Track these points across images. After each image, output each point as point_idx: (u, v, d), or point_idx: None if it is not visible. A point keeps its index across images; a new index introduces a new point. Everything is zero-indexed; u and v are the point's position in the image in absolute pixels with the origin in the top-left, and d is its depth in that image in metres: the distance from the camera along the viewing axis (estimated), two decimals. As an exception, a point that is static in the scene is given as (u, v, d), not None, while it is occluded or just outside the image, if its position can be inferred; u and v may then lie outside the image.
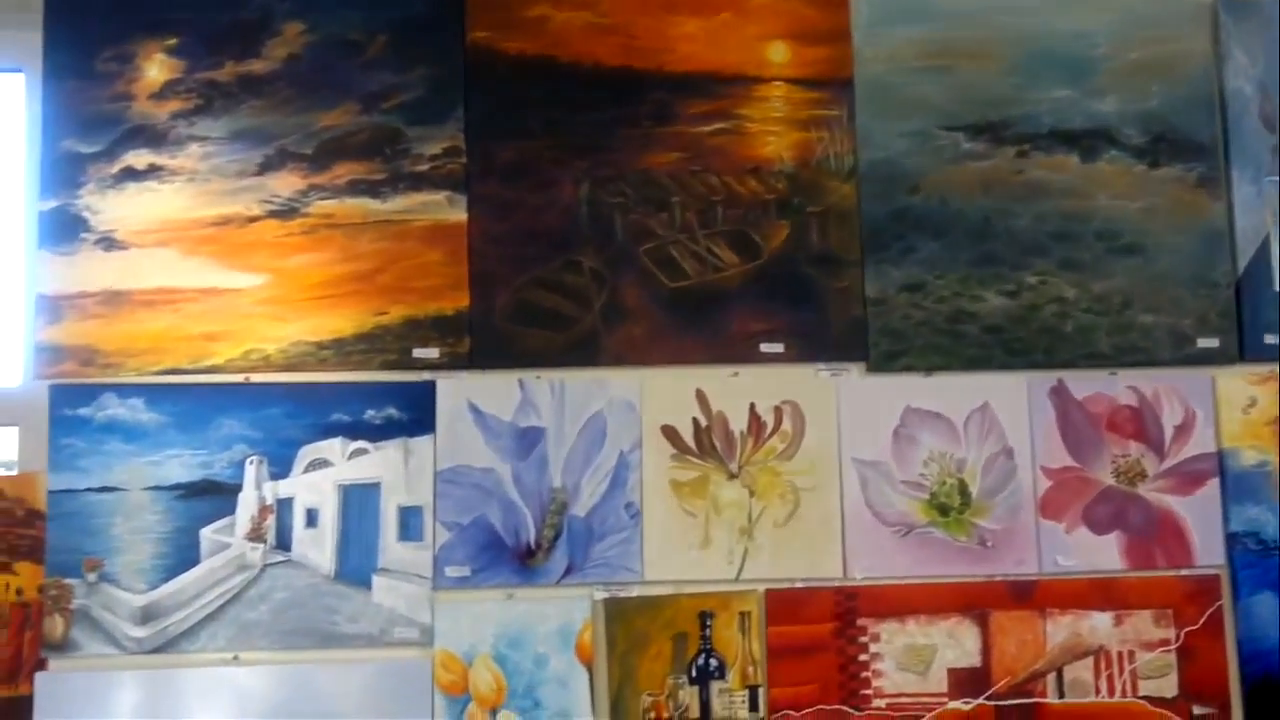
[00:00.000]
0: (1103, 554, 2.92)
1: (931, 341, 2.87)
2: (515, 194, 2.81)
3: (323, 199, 2.73)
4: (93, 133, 2.72)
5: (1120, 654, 2.90)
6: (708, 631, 2.76)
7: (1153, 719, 2.89)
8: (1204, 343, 2.99)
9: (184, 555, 2.60)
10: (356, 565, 2.63)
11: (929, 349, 2.86)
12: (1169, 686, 2.89)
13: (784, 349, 2.81)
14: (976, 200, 2.94)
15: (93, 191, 2.70)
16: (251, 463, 2.57)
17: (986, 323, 2.87)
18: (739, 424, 2.79)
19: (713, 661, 2.76)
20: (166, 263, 2.65)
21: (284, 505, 2.61)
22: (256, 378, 2.63)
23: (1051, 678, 2.88)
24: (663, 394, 2.77)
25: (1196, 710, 2.88)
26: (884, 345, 2.84)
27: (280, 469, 2.61)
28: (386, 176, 2.75)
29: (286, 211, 2.71)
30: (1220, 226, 3.01)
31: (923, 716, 2.84)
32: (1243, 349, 3.00)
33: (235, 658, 2.57)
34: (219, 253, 2.66)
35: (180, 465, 2.58)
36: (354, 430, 2.64)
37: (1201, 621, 2.92)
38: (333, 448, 2.61)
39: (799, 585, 2.78)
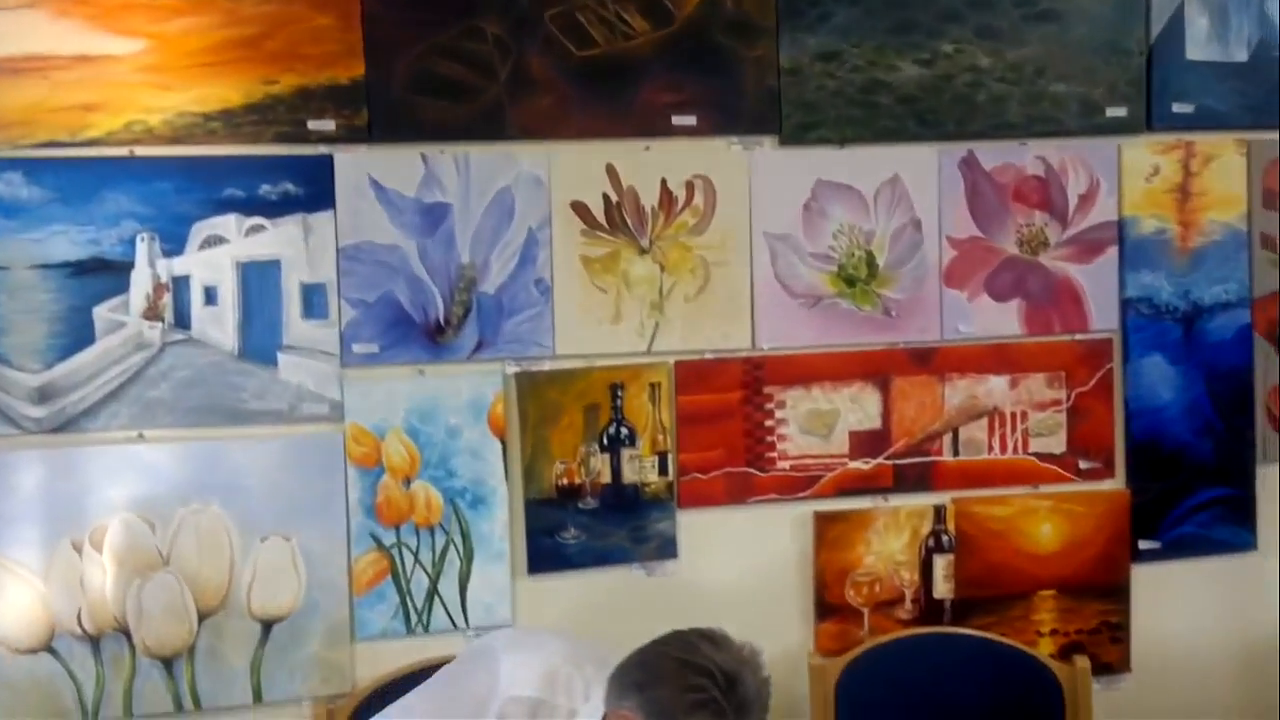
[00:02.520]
0: (1002, 321, 2.55)
1: (845, 113, 2.43)
2: (412, -47, 2.19)
3: (203, -43, 2.10)
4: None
5: (1014, 414, 2.55)
6: (618, 402, 2.40)
7: (1041, 473, 2.55)
8: (1113, 112, 2.55)
9: (78, 335, 2.14)
10: (260, 343, 2.19)
11: (842, 121, 2.38)
12: (1058, 444, 2.56)
13: (696, 121, 2.32)
14: (895, -37, 2.37)
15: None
16: (142, 239, 2.03)
17: (900, 93, 2.44)
18: (650, 199, 2.32)
19: (623, 430, 2.41)
20: (34, 26, 2.04)
21: (180, 283, 2.13)
22: (141, 151, 2.07)
23: (947, 438, 2.53)
24: (572, 169, 2.27)
25: (1082, 465, 2.56)
26: (797, 117, 2.30)
27: (173, 246, 2.12)
28: (272, -67, 2.06)
29: (165, -29, 2.08)
30: (1137, -8, 2.47)
31: (824, 476, 2.48)
32: (1150, 118, 2.59)
33: (140, 435, 2.13)
34: (92, 15, 2.10)
35: (67, 242, 2.06)
36: (249, 206, 2.14)
37: (1092, 383, 2.58)
38: (228, 224, 2.08)
39: (708, 356, 2.26)
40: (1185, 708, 2.46)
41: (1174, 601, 2.58)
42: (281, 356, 2.20)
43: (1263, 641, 2.59)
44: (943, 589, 2.50)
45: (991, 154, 2.49)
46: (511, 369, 2.32)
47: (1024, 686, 2.31)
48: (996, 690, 2.31)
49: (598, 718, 1.63)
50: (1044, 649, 2.44)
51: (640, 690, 1.57)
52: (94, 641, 2.13)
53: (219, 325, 2.17)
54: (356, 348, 2.23)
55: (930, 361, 2.49)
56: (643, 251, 2.36)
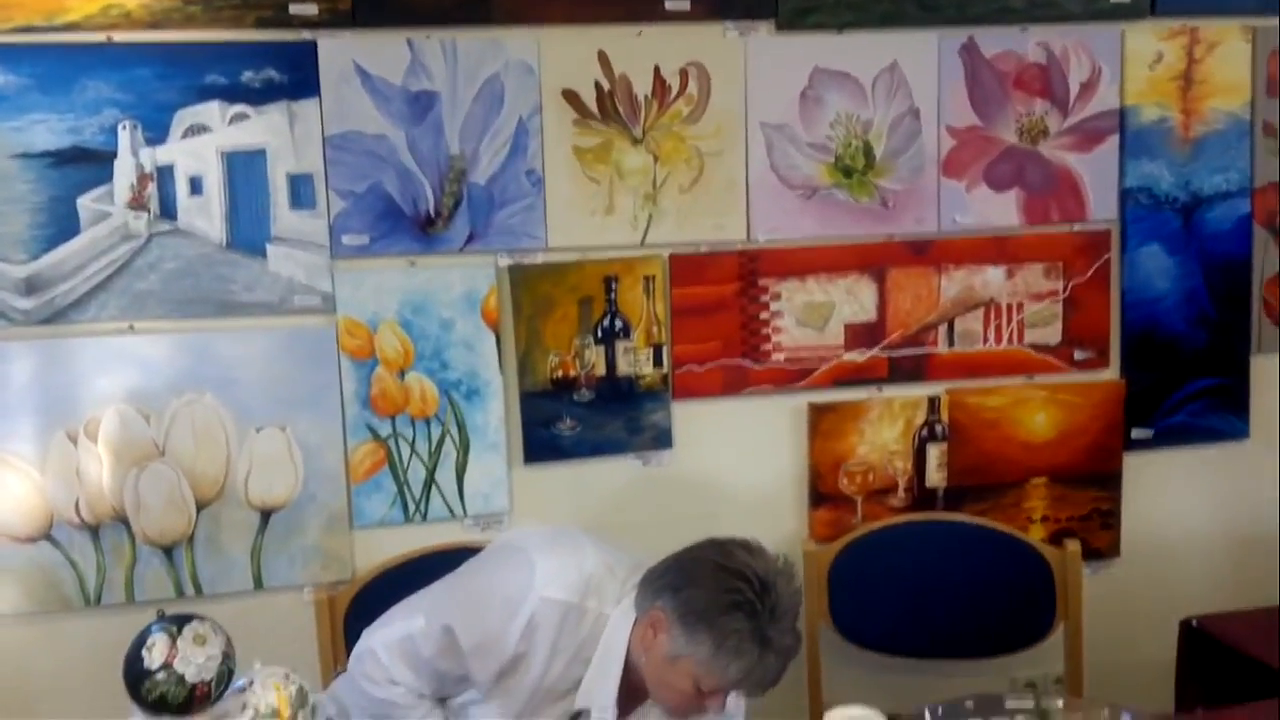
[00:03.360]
0: (1000, 211, 2.38)
1: (844, -2, 2.12)
2: None
3: None
4: None
5: (1009, 305, 2.39)
6: (613, 295, 2.27)
7: (1035, 364, 2.41)
8: (1117, -4, 2.34)
9: (63, 225, 2.00)
10: (248, 234, 2.05)
11: (840, 5, 2.26)
12: (1053, 335, 2.41)
13: (690, 6, 2.13)
14: None
15: None
16: (124, 128, 1.89)
17: (900, -24, 2.08)
18: (643, 87, 2.18)
19: (618, 323, 2.28)
20: (3, -94, 1.77)
21: (164, 173, 2.00)
22: (119, 37, 1.85)
23: (943, 329, 2.38)
24: (562, 55, 2.09)
25: (1077, 355, 2.41)
26: (794, 2, 2.14)
27: (156, 134, 1.98)
28: None
29: None
30: None
31: (818, 368, 2.34)
32: (1154, 3, 2.38)
33: (130, 327, 2.02)
34: (63, -106, 1.77)
35: (47, 131, 1.93)
36: (232, 93, 1.99)
37: (1089, 274, 2.41)
38: (211, 112, 1.91)
39: (703, 249, 2.09)
40: (1173, 592, 2.35)
41: (1165, 489, 2.45)
42: (270, 248, 2.06)
43: (1252, 528, 2.48)
44: (935, 478, 2.37)
45: (992, 40, 2.30)
46: (504, 261, 2.17)
47: (1015, 571, 2.19)
48: (988, 574, 2.20)
49: (629, 621, 1.54)
50: (1035, 535, 2.31)
51: (675, 591, 1.49)
52: (93, 530, 2.02)
53: (206, 216, 2.02)
54: (346, 239, 2.08)
55: (927, 253, 2.33)
56: (636, 141, 2.17)
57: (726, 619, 1.43)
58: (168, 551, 2.05)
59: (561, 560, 1.60)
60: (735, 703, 1.63)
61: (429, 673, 1.60)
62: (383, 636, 1.61)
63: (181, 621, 1.11)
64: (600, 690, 1.55)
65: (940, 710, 1.47)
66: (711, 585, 1.46)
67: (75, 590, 2.02)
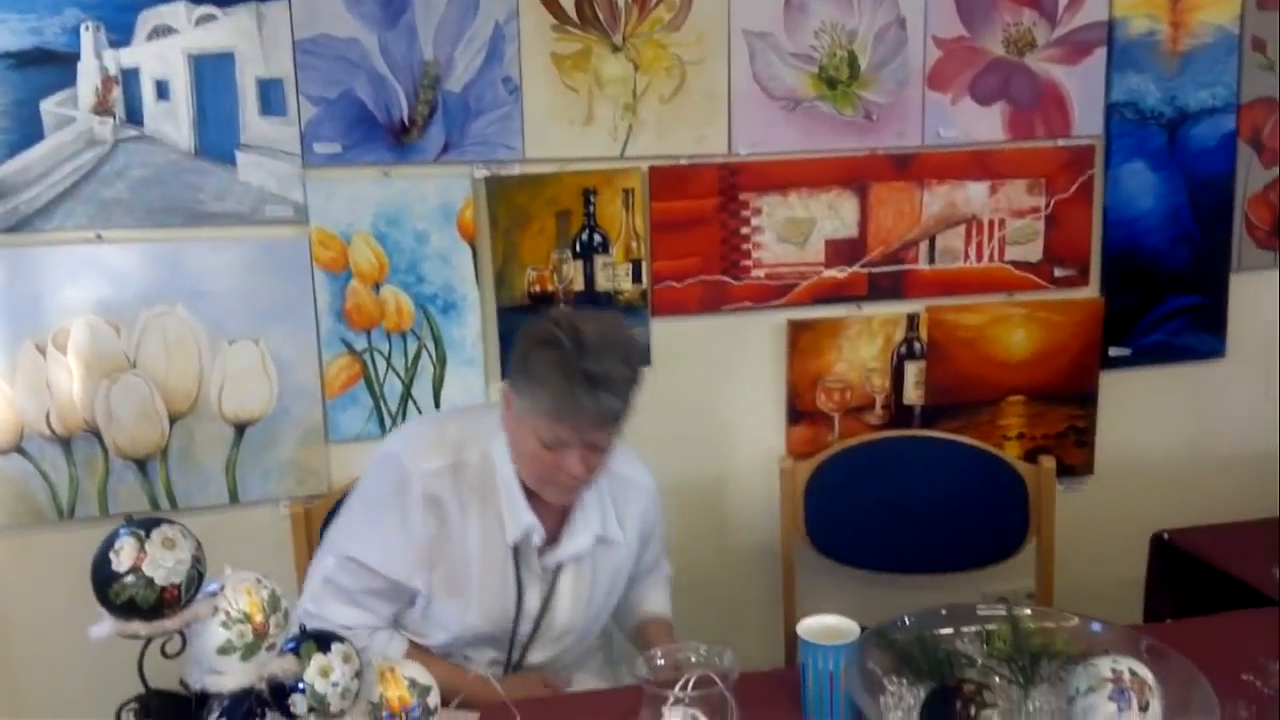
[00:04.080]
0: (985, 125, 2.35)
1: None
2: None
3: None
4: None
5: (991, 222, 2.36)
6: (591, 208, 2.22)
7: (1016, 281, 2.39)
8: (1112, -101, 2.28)
9: (26, 130, 1.94)
10: (217, 141, 1.99)
11: None
12: (1034, 252, 2.39)
13: None
14: None
15: None
16: (86, 28, 1.83)
17: (889, -123, 2.00)
18: None
19: (596, 237, 2.24)
20: None
21: (129, 76, 1.93)
22: None
23: (924, 246, 2.36)
24: None
25: (1057, 273, 2.40)
26: None
27: (120, 36, 1.91)
28: None
29: None
30: None
31: (798, 284, 2.31)
32: None
33: (98, 236, 1.96)
34: None
35: (7, 31, 1.88)
36: None
37: (1072, 190, 2.38)
38: (176, 12, 1.86)
39: (683, 162, 2.03)
40: (1145, 510, 2.36)
41: (1140, 408, 2.45)
42: (240, 155, 2.00)
43: (1225, 446, 2.49)
44: (913, 395, 2.36)
45: (981, -54, 2.22)
46: (480, 173, 2.12)
47: (989, 487, 2.20)
48: (962, 491, 2.21)
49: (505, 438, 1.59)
50: (1010, 453, 2.32)
51: (508, 361, 1.61)
52: (65, 443, 1.99)
53: (173, 122, 1.96)
54: (318, 147, 2.03)
55: (910, 167, 2.30)
56: (615, 49, 2.12)
57: (536, 356, 1.47)
58: (141, 464, 2.03)
59: (423, 436, 1.65)
60: (657, 554, 1.79)
61: (368, 603, 1.59)
62: (309, 592, 1.62)
63: (149, 525, 1.09)
64: (514, 510, 1.57)
65: (913, 619, 1.48)
66: (526, 336, 1.51)
67: (48, 503, 2.00)
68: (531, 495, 1.58)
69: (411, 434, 1.70)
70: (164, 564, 1.08)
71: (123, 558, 1.07)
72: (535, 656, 1.67)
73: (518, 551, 1.60)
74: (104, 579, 1.07)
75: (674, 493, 2.36)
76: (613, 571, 1.70)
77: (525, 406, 1.49)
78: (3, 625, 2.11)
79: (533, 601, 1.62)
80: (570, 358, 1.44)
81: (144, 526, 1.09)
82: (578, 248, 2.18)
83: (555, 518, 1.62)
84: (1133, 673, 1.28)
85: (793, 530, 2.21)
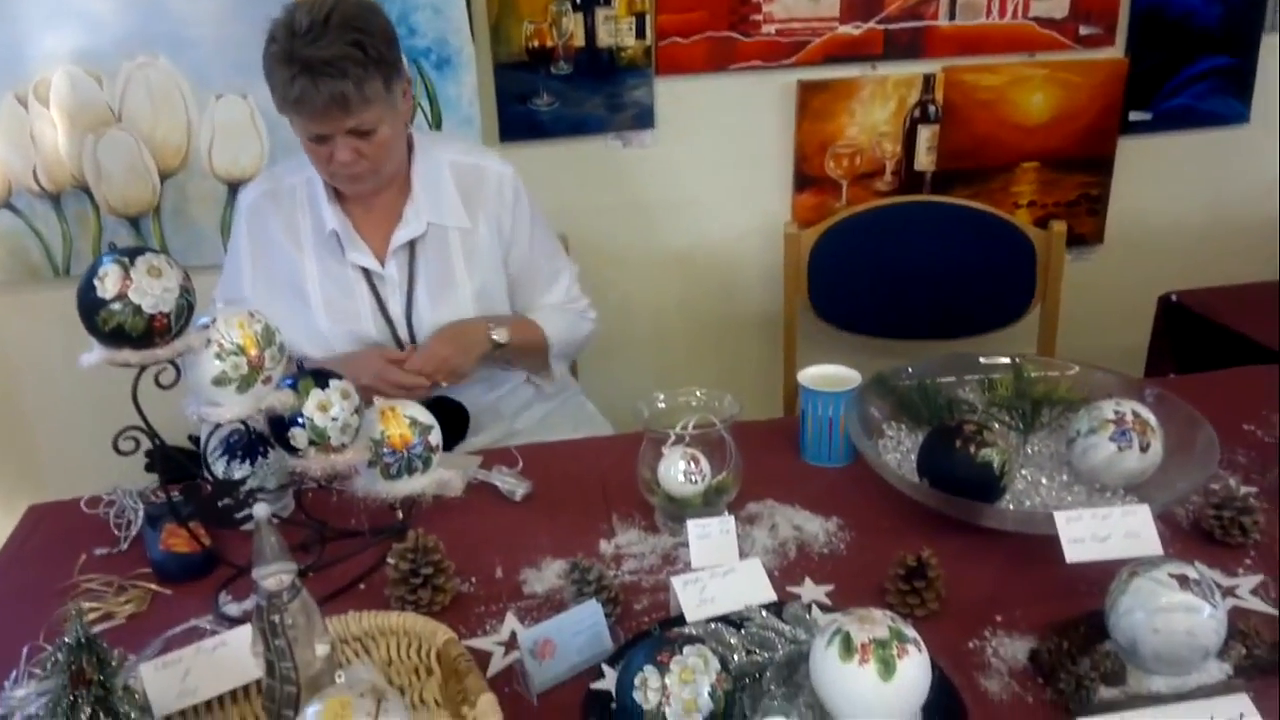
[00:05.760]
0: None
1: None
2: None
3: None
4: None
5: None
6: None
7: (1039, 40, 2.25)
8: None
9: None
10: None
11: None
12: (1060, 8, 2.24)
13: None
14: None
15: None
16: None
17: None
18: None
19: None
20: None
21: None
22: None
23: (944, 0, 2.18)
24: None
25: (1083, 30, 2.25)
26: None
27: None
28: None
29: None
30: None
31: (811, 41, 2.18)
32: None
33: None
34: None
35: None
36: None
37: None
38: None
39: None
40: (1152, 279, 2.31)
41: (1157, 174, 2.37)
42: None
43: (1241, 212, 2.42)
44: (925, 161, 2.27)
45: None
46: (474, -87, 1.94)
47: (997, 252, 2.15)
48: (969, 256, 2.16)
49: None
50: (1021, 220, 2.23)
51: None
52: (54, 199, 1.94)
53: None
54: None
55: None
56: None
57: (264, 53, 1.45)
58: (134, 222, 1.97)
59: (257, 177, 1.70)
60: (542, 264, 1.72)
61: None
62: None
63: (134, 253, 1.04)
64: (321, 212, 1.59)
65: (915, 369, 1.45)
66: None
67: (43, 260, 1.96)
68: (344, 199, 1.60)
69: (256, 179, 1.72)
70: (151, 291, 1.03)
71: (107, 284, 1.03)
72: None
73: (369, 274, 1.61)
74: (90, 305, 1.03)
75: (676, 258, 2.32)
76: (473, 264, 1.64)
77: (276, 106, 1.48)
78: (12, 379, 2.12)
79: (396, 309, 1.62)
80: (285, 49, 1.41)
81: (128, 254, 1.05)
82: (578, -1, 2.05)
83: (388, 218, 1.61)
84: (1135, 414, 1.26)
85: (795, 297, 2.17)
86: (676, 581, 1.11)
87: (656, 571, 1.23)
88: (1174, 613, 0.97)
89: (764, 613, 1.07)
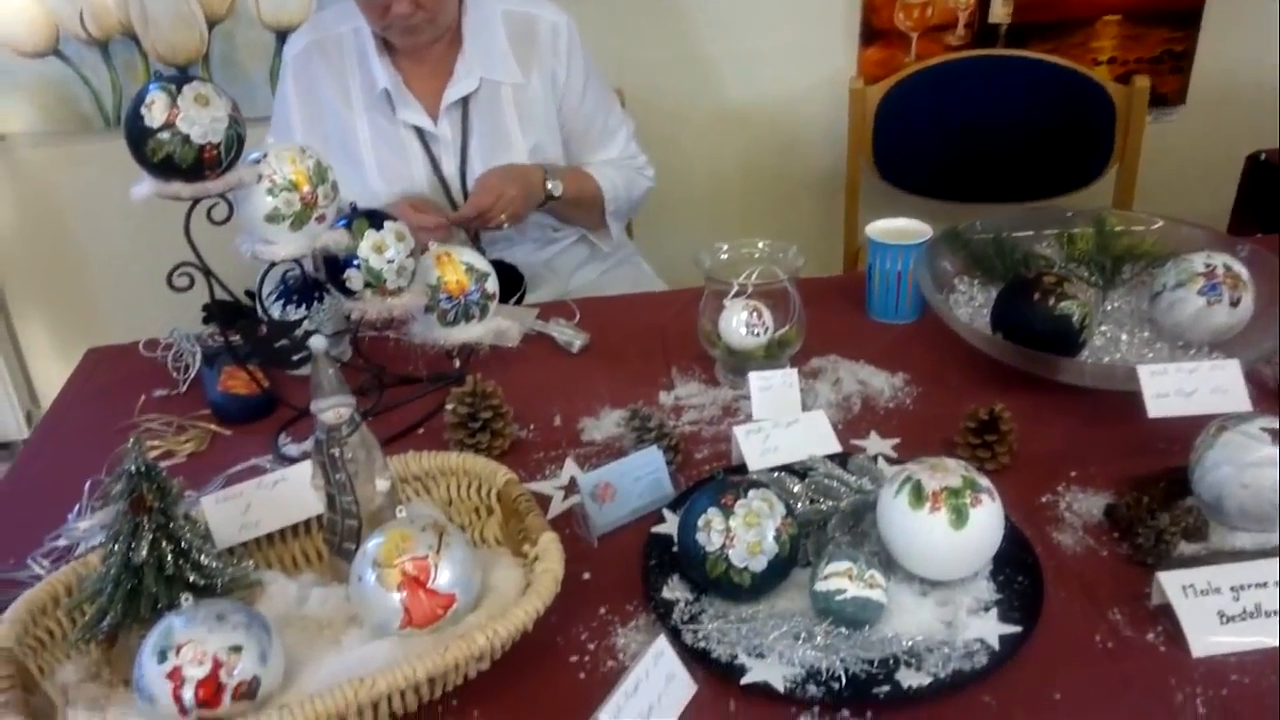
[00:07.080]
0: None
1: None
2: None
3: None
4: None
5: None
6: None
7: None
8: None
9: None
10: None
11: None
12: None
13: None
14: None
15: None
16: None
17: None
18: None
19: None
20: None
21: None
22: None
23: None
24: None
25: None
26: None
27: None
28: None
29: None
30: None
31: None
32: None
33: None
34: None
35: None
36: None
37: None
38: None
39: None
40: (1235, 141, 2.17)
41: (1246, 28, 2.20)
42: None
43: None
44: (1000, 13, 2.14)
45: None
46: None
47: (1073, 109, 2.03)
48: (1043, 114, 2.04)
49: None
50: (1101, 75, 2.10)
51: None
52: (102, 46, 1.88)
53: None
54: None
55: None
56: None
57: None
58: (183, 71, 1.92)
59: (303, 26, 1.63)
60: (598, 119, 1.65)
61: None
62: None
63: (180, 81, 1.00)
64: (372, 66, 1.54)
65: (989, 223, 1.38)
66: None
67: (93, 110, 1.92)
68: (394, 52, 1.54)
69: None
70: (200, 121, 0.99)
71: (154, 112, 0.98)
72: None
73: (422, 133, 1.56)
74: (137, 134, 0.99)
75: (736, 114, 2.23)
76: (527, 121, 1.59)
77: None
78: (67, 228, 2.11)
79: (450, 168, 1.58)
80: None
81: (175, 81, 1.00)
82: None
83: (439, 74, 1.55)
84: (1227, 267, 1.19)
85: (859, 156, 2.08)
86: (739, 431, 1.08)
87: (717, 422, 1.20)
88: (1264, 468, 0.92)
89: (828, 463, 1.03)
